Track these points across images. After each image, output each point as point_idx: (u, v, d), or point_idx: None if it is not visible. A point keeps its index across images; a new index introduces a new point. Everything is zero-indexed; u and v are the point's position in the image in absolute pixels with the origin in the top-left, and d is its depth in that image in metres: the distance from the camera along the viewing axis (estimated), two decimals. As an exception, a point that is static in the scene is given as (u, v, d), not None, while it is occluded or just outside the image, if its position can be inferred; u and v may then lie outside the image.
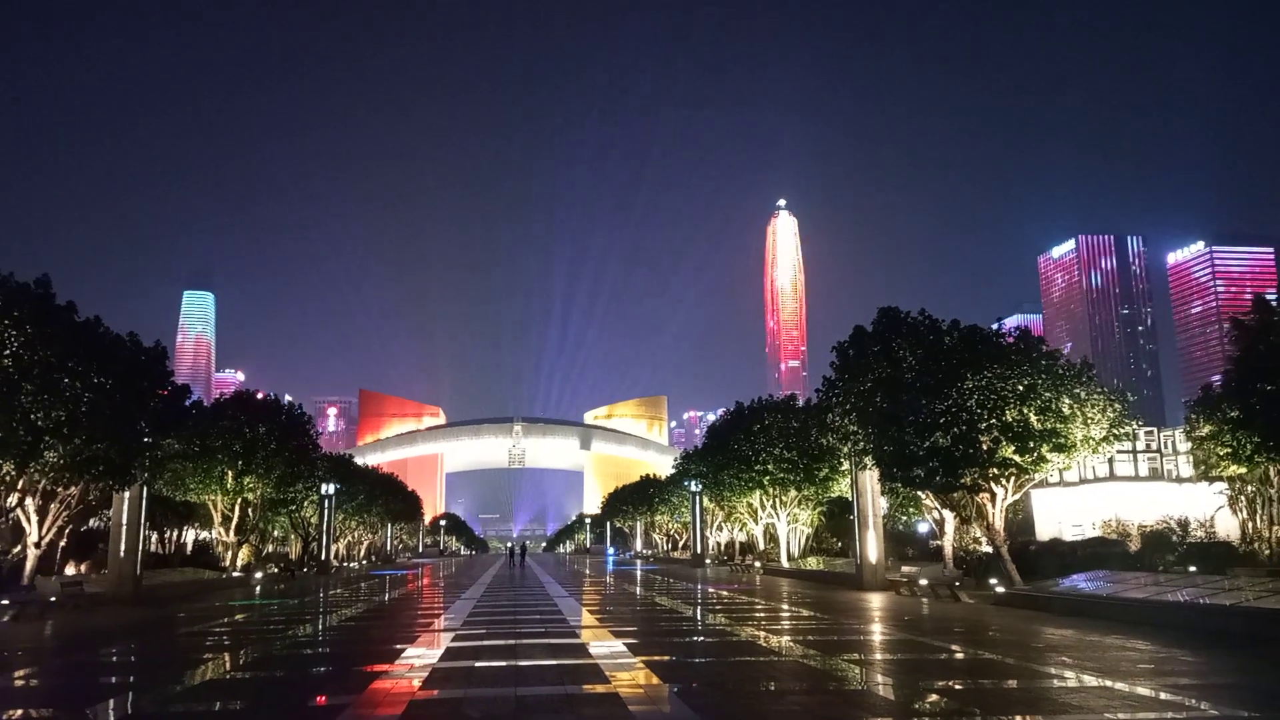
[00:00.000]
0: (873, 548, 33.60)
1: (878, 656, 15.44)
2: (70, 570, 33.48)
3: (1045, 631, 18.17)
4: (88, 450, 25.69)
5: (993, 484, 27.14)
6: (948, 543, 33.21)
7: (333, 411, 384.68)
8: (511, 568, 66.23)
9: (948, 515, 32.53)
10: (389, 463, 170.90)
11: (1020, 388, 25.85)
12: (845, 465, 36.66)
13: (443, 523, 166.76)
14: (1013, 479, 27.03)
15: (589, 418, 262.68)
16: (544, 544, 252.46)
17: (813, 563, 45.00)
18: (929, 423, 26.98)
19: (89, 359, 25.53)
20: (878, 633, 19.15)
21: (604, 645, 16.03)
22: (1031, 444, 25.86)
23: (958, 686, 12.13)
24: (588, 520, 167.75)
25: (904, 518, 42.86)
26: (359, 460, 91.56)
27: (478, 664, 14.20)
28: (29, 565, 27.65)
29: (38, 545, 27.93)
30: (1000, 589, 26.10)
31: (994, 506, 27.68)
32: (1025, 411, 25.82)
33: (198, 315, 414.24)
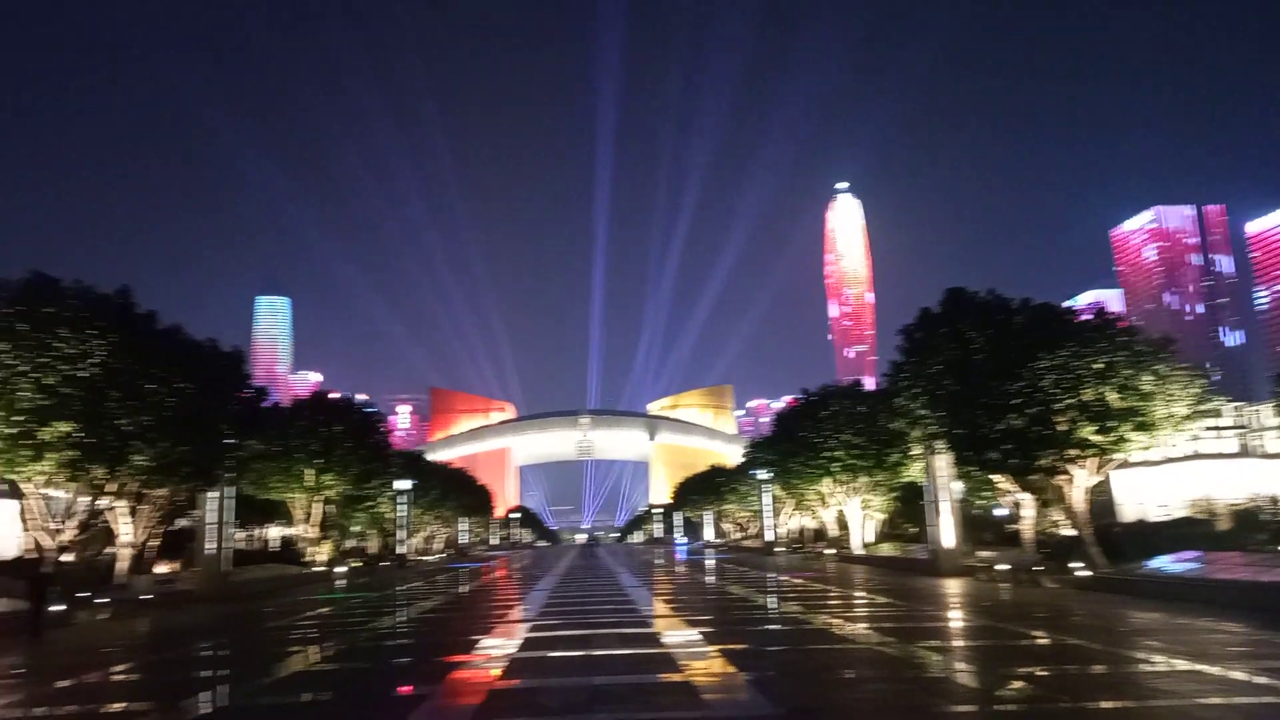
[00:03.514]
0: (948, 533, 33.01)
1: (957, 643, 15.19)
2: (162, 569, 34.87)
3: (1132, 615, 17.65)
4: (174, 453, 26.69)
5: (1071, 465, 26.42)
6: (1027, 526, 32.42)
7: (405, 409, 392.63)
8: (584, 559, 66.81)
9: (1026, 498, 31.76)
10: (460, 458, 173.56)
11: (1098, 366, 25.08)
12: (916, 450, 36.05)
13: (515, 516, 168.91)
14: (1092, 460, 26.26)
15: (654, 408, 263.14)
16: (615, 535, 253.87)
17: (886, 549, 44.44)
18: (1002, 404, 26.39)
19: (171, 365, 26.52)
20: (956, 619, 18.83)
21: (677, 634, 16.08)
22: (1111, 423, 25.10)
23: (1042, 673, 11.84)
24: (657, 510, 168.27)
25: (980, 501, 41.98)
26: (430, 456, 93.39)
27: (553, 654, 14.38)
28: (124, 564, 28.88)
29: (130, 545, 29.15)
30: (1083, 572, 25.39)
31: (1074, 488, 26.94)
32: (1103, 390, 25.07)
33: (273, 319, 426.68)
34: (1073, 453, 25.80)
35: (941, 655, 13.43)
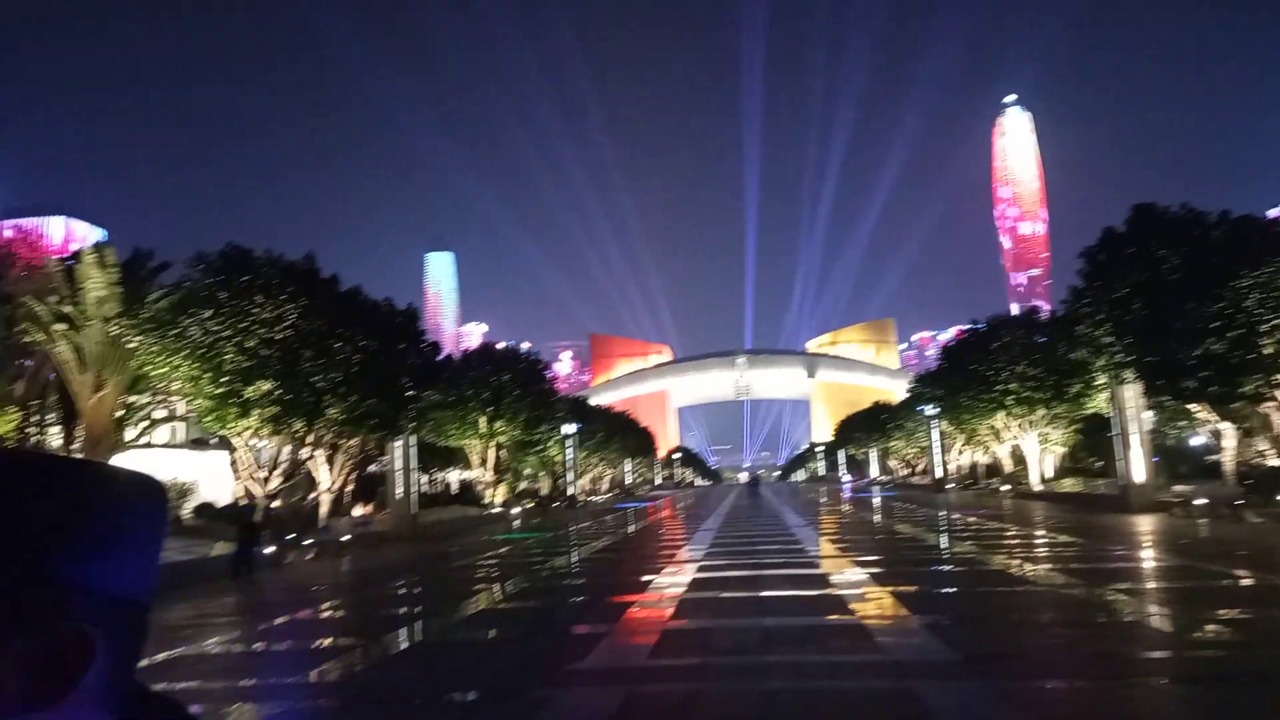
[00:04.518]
0: (1138, 466, 31.02)
1: (1149, 584, 14.34)
2: (357, 512, 37.80)
3: (1355, 555, 16.09)
4: (362, 406, 28.68)
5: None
6: (1227, 457, 30.02)
7: (566, 355, 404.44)
8: (747, 498, 67.23)
9: (1226, 427, 29.35)
10: (621, 401, 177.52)
11: (1312, 281, 22.65)
12: (1101, 380, 33.90)
13: (677, 456, 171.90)
14: (1306, 385, 23.90)
15: (812, 346, 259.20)
16: (776, 473, 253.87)
17: (1068, 484, 42.30)
18: (1199, 328, 24.35)
19: (354, 325, 28.38)
20: (1148, 558, 17.76)
21: (846, 575, 15.98)
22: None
23: (1245, 616, 11.02)
24: (819, 448, 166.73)
25: (1174, 432, 39.17)
26: (593, 400, 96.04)
27: (723, 594, 14.63)
28: (324, 509, 31.50)
29: (330, 491, 31.71)
30: (1295, 508, 23.31)
31: (1283, 417, 24.64)
32: (1320, 307, 22.63)
33: (441, 275, 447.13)
34: (1282, 378, 23.57)
35: (1132, 598, 12.71)
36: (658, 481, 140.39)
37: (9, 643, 0.75)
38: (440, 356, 38.35)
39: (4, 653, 0.74)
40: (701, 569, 18.31)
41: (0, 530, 0.75)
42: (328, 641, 12.60)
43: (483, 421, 45.40)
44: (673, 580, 16.53)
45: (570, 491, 61.83)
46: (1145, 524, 25.47)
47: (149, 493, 0.87)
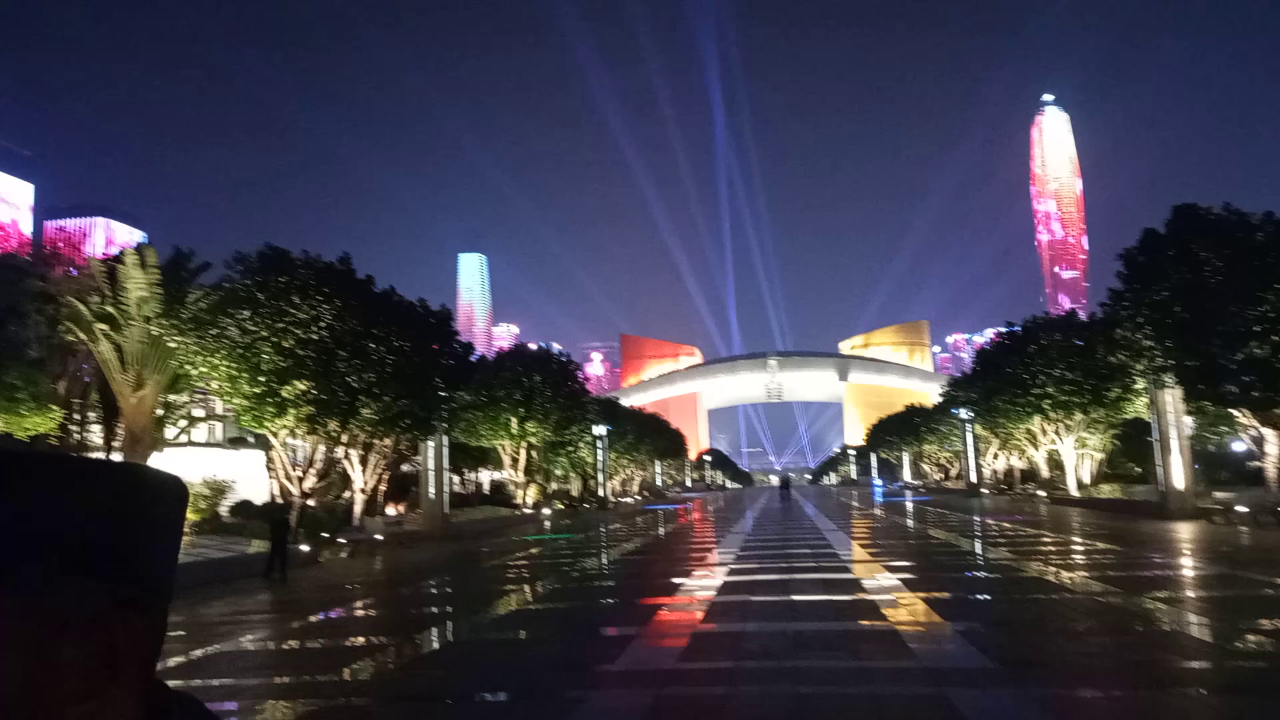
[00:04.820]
0: (1178, 472, 30.45)
1: (1190, 593, 14.06)
2: (390, 510, 38.13)
3: (1406, 566, 15.66)
4: (395, 406, 28.94)
5: (1328, 397, 23.57)
6: (1270, 464, 29.35)
7: (597, 356, 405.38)
8: (777, 501, 66.86)
9: (1269, 433, 28.71)
10: (651, 403, 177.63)
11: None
12: (1140, 384, 33.32)
13: (707, 458, 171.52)
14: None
15: (845, 348, 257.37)
16: (807, 477, 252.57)
17: (1106, 490, 41.59)
18: (1241, 331, 23.87)
19: (389, 326, 28.64)
20: (1188, 566, 17.42)
21: (878, 579, 15.84)
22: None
23: (1292, 629, 10.76)
24: (851, 451, 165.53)
25: (1215, 438, 38.38)
26: (624, 401, 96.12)
27: (753, 598, 14.55)
28: (358, 508, 31.81)
29: (363, 490, 32.02)
30: (1342, 517, 22.76)
31: (1331, 423, 24.05)
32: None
33: (472, 276, 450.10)
34: (1329, 384, 23.01)
35: (1172, 606, 12.49)
36: (688, 484, 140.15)
37: (63, 638, 0.77)
38: (473, 357, 38.59)
39: (60, 648, 0.77)
40: (732, 572, 18.25)
41: (48, 531, 0.78)
42: (360, 640, 12.71)
43: (514, 422, 45.63)
44: (703, 583, 16.49)
45: (600, 493, 61.91)
46: (1185, 531, 24.99)
47: (174, 492, 0.90)
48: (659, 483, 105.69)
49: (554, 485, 63.38)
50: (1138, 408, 39.44)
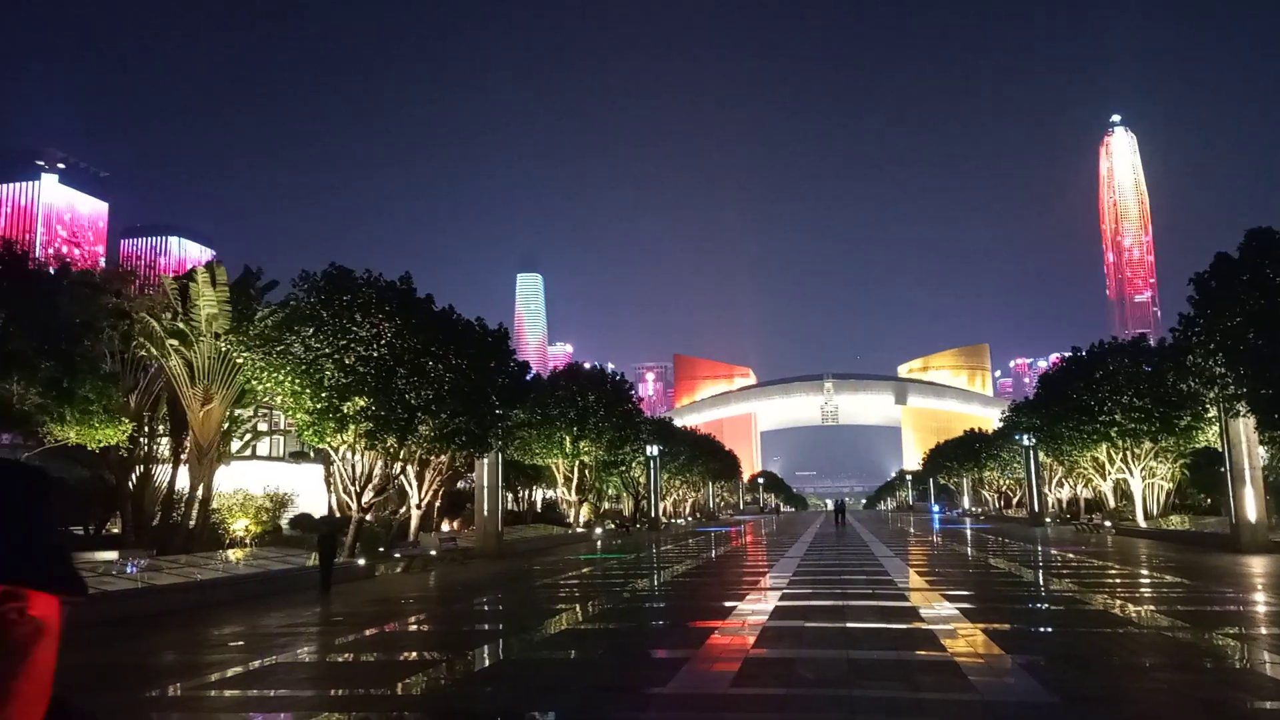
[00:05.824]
0: (1251, 504, 29.30)
1: (1263, 630, 13.49)
2: (445, 527, 38.51)
3: None
4: (452, 424, 29.28)
5: None
6: (1353, 499, 28.08)
7: (650, 376, 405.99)
8: (832, 525, 65.84)
9: (1352, 467, 27.48)
10: (705, 423, 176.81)
11: None
12: (1212, 412, 32.21)
13: (761, 480, 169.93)
14: None
15: (903, 371, 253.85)
16: (863, 501, 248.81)
17: (1175, 521, 40.19)
18: (1321, 360, 22.90)
19: (447, 344, 29.03)
20: (1261, 602, 16.72)
21: (936, 609, 15.48)
22: None
23: (1378, 672, 10.24)
24: (908, 476, 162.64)
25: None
26: (677, 422, 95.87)
27: (807, 624, 14.33)
28: (413, 523, 32.19)
29: (419, 506, 32.41)
30: None
31: None
32: None
33: (529, 295, 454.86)
34: None
35: (1243, 643, 11.99)
36: (740, 506, 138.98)
37: None
38: (528, 376, 38.90)
39: None
40: (785, 597, 18.01)
41: None
42: (413, 655, 12.83)
43: (568, 441, 45.84)
44: (755, 607, 16.31)
45: (652, 513, 61.74)
46: (1258, 565, 24.01)
47: (23, 477, 0.92)
48: (711, 504, 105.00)
49: (606, 505, 63.42)
50: (1209, 437, 38.12)
